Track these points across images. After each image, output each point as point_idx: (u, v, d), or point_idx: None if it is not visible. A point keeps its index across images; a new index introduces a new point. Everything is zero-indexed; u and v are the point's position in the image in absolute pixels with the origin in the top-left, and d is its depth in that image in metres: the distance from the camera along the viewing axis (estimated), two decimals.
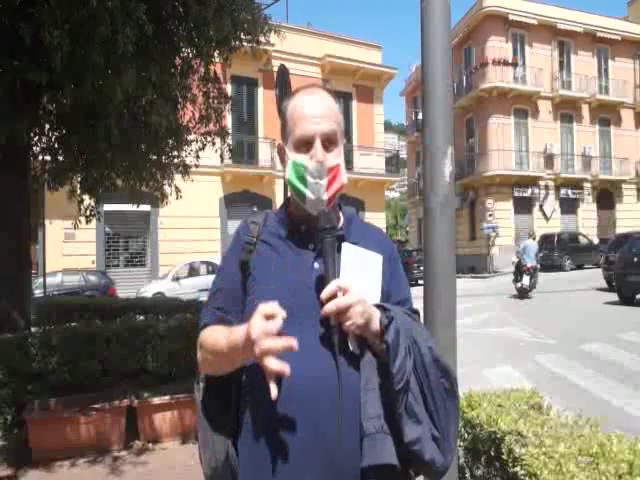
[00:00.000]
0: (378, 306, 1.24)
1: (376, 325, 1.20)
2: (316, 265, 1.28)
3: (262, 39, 6.91)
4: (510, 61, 27.42)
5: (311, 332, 1.20)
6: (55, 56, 4.06)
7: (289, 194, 1.39)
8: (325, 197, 1.28)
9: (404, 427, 1.17)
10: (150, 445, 4.77)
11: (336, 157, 1.30)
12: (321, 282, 1.21)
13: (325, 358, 1.18)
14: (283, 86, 6.12)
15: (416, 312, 1.38)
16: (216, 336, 1.25)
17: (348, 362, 1.20)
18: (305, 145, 1.29)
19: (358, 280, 1.23)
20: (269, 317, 1.07)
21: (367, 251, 1.31)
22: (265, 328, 1.06)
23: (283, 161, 1.37)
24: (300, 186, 1.28)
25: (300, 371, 1.15)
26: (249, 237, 1.35)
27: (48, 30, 3.94)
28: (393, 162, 26.16)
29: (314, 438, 1.16)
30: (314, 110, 1.30)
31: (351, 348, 1.20)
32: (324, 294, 1.16)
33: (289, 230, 1.35)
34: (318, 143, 1.27)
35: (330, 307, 1.14)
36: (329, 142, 1.29)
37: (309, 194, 1.28)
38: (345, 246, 1.28)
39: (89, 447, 4.58)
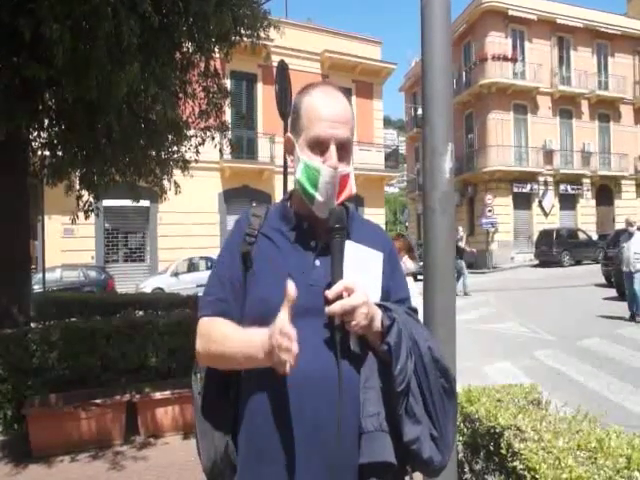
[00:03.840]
0: (379, 305, 1.24)
1: (378, 325, 1.20)
2: (317, 263, 1.28)
3: (262, 34, 6.88)
4: (509, 57, 27.35)
5: (312, 330, 1.20)
6: (56, 52, 4.04)
7: (290, 188, 1.39)
8: (335, 203, 1.29)
9: (403, 427, 1.18)
10: (151, 440, 4.78)
11: (347, 165, 1.30)
12: (325, 281, 1.21)
13: (326, 356, 1.19)
14: (283, 82, 6.12)
15: (415, 310, 1.38)
16: (225, 333, 1.24)
17: (349, 361, 1.21)
18: (319, 147, 1.28)
19: (360, 278, 1.23)
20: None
21: (369, 249, 1.32)
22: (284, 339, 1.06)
23: (291, 153, 1.36)
24: (311, 190, 1.27)
25: (301, 368, 1.16)
26: (251, 229, 1.34)
27: (49, 26, 3.91)
28: (392, 158, 26.11)
29: (314, 435, 1.16)
30: (333, 113, 1.28)
31: (352, 347, 1.21)
32: (330, 294, 1.16)
33: (291, 226, 1.34)
34: (333, 148, 1.27)
35: (335, 308, 1.15)
36: (342, 148, 1.29)
37: (319, 198, 1.27)
38: (348, 244, 1.28)
39: (89, 442, 4.60)
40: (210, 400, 1.35)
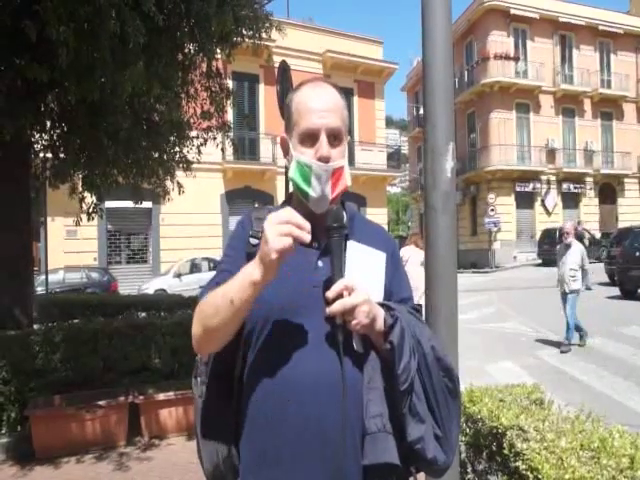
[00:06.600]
0: (382, 305, 1.24)
1: (381, 325, 1.20)
2: (320, 263, 1.27)
3: (264, 35, 6.88)
4: (512, 55, 27.32)
5: (315, 331, 1.20)
6: (60, 53, 4.03)
7: (291, 190, 1.38)
8: (329, 197, 1.26)
9: (407, 426, 1.18)
10: (155, 441, 4.79)
11: (340, 155, 1.28)
12: (326, 281, 1.20)
13: (329, 357, 1.18)
14: (284, 82, 6.12)
15: (418, 310, 1.37)
16: (216, 290, 1.21)
17: (352, 361, 1.20)
18: (310, 139, 1.26)
19: (362, 278, 1.22)
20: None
21: (371, 249, 1.31)
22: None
23: (287, 154, 1.35)
24: (304, 186, 1.26)
25: (304, 369, 1.15)
26: (254, 231, 1.32)
27: (55, 27, 3.91)
28: (395, 157, 26.11)
29: (317, 436, 1.16)
30: (321, 104, 1.28)
31: (355, 347, 1.20)
32: (330, 293, 1.15)
33: None
34: (323, 137, 1.25)
35: (336, 307, 1.13)
36: (334, 138, 1.27)
37: (313, 194, 1.26)
38: (350, 244, 1.27)
39: (93, 444, 4.61)
40: (212, 403, 1.34)
